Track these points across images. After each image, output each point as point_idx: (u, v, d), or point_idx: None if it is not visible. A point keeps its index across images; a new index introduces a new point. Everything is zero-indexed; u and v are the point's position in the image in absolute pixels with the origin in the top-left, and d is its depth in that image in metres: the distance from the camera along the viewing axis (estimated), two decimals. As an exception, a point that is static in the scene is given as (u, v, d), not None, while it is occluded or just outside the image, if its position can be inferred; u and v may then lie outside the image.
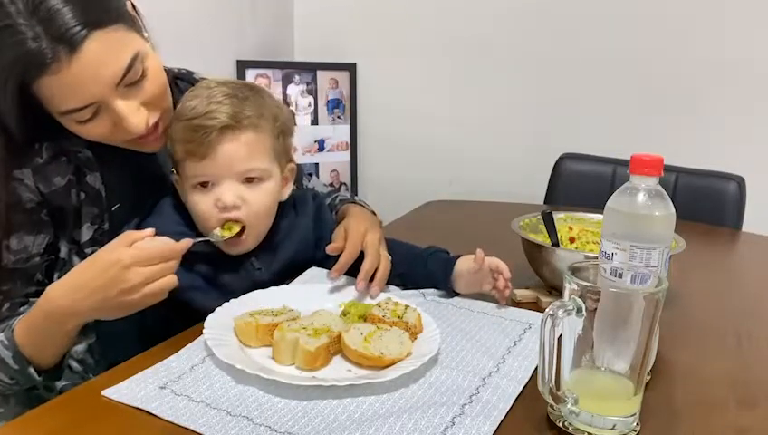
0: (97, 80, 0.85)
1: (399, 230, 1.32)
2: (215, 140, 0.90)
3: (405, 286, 1.05)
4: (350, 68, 2.50)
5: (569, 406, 0.70)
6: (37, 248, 0.94)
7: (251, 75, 2.31)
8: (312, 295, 0.97)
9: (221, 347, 0.81)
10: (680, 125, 2.07)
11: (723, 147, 2.00)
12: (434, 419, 0.71)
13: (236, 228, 0.94)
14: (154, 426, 0.70)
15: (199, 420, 0.70)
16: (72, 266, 0.89)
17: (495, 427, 0.70)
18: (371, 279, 0.99)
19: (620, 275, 0.74)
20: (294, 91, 2.41)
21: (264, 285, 0.98)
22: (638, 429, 0.71)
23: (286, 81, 2.40)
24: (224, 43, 2.26)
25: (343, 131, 2.52)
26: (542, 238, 1.10)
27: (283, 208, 1.03)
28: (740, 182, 1.68)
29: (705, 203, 1.66)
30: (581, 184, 1.80)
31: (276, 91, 2.35)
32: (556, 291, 1.06)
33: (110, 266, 0.80)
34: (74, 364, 0.96)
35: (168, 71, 0.99)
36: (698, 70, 2.04)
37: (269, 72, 2.36)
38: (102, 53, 0.84)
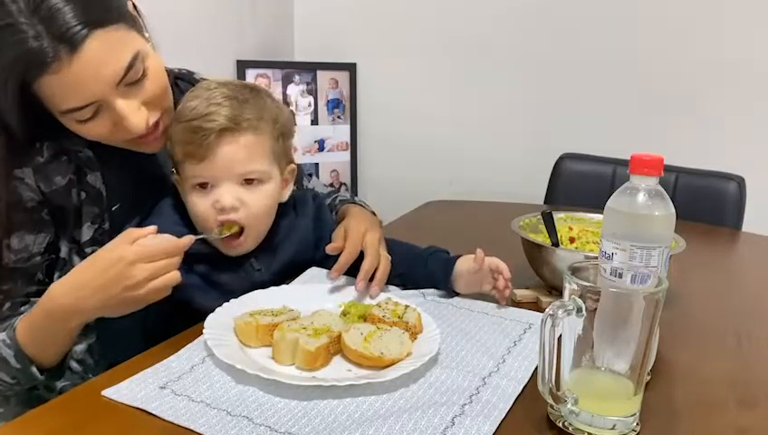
0: (97, 79, 0.85)
1: (399, 230, 1.32)
2: (213, 143, 0.90)
3: (405, 286, 1.05)
4: (350, 68, 2.50)
5: (569, 406, 0.70)
6: (38, 248, 0.94)
7: (251, 75, 2.31)
8: (312, 295, 0.97)
9: (221, 347, 0.81)
10: (680, 125, 2.08)
11: (723, 147, 2.00)
12: (434, 419, 0.71)
13: (235, 227, 0.94)
14: (154, 426, 0.70)
15: (199, 420, 0.70)
16: (73, 266, 0.89)
17: (495, 427, 0.70)
18: (371, 279, 0.99)
19: (620, 275, 0.74)
20: (294, 91, 2.41)
21: (263, 286, 0.98)
22: (638, 429, 0.71)
23: (286, 81, 2.40)
24: (224, 43, 2.26)
25: (343, 131, 2.52)
26: (542, 238, 1.10)
27: (283, 209, 1.03)
28: (740, 182, 1.68)
29: (705, 203, 1.66)
30: (581, 184, 1.80)
31: (276, 91, 2.35)
32: (556, 291, 1.06)
33: (114, 263, 0.80)
34: (74, 364, 0.96)
35: (169, 71, 1.00)
36: (698, 70, 2.04)
37: (269, 72, 2.36)
38: (103, 52, 0.84)
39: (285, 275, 1.03)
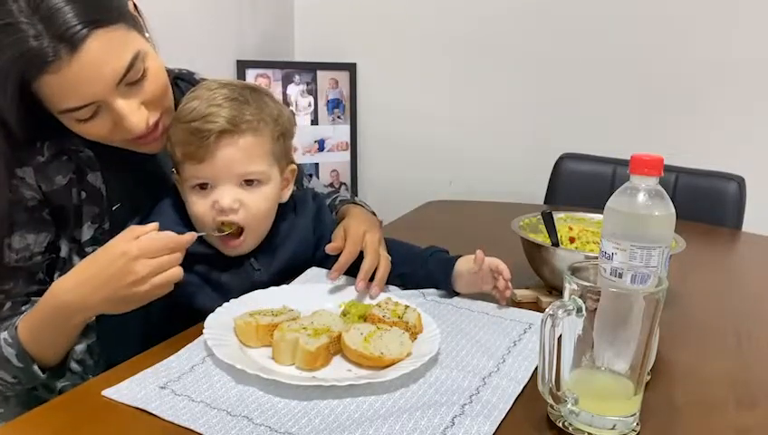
0: (97, 79, 0.85)
1: (399, 230, 1.32)
2: (213, 144, 0.90)
3: (405, 286, 1.05)
4: (350, 68, 2.50)
5: (569, 406, 0.70)
6: (39, 247, 0.94)
7: (251, 75, 2.31)
8: (312, 295, 0.97)
9: (221, 347, 0.81)
10: (680, 125, 2.08)
11: (723, 147, 2.01)
12: (434, 419, 0.71)
13: (235, 226, 0.94)
14: (154, 426, 0.70)
15: (199, 420, 0.70)
16: (73, 266, 0.89)
17: (495, 427, 0.70)
18: (371, 279, 0.99)
19: (620, 275, 0.74)
20: (294, 91, 2.41)
21: (263, 286, 0.98)
22: (638, 429, 0.71)
23: (286, 81, 2.40)
24: (224, 43, 2.26)
25: (343, 131, 2.52)
26: (542, 238, 1.10)
27: (283, 209, 1.03)
28: (740, 182, 1.68)
29: (705, 203, 1.66)
30: (581, 184, 1.80)
31: (276, 91, 2.35)
32: (556, 291, 1.06)
33: (117, 258, 0.81)
34: (73, 365, 0.96)
35: (169, 71, 1.00)
36: (698, 70, 2.04)
37: (269, 72, 2.36)
38: (103, 52, 0.84)
39: (285, 275, 1.03)
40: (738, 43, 1.98)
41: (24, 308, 0.92)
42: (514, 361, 0.84)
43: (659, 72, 2.08)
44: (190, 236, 0.86)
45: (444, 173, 2.43)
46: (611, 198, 0.80)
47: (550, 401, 0.70)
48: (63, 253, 0.96)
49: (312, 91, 2.44)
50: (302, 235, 1.06)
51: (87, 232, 0.96)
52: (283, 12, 2.52)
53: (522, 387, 0.78)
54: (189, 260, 0.88)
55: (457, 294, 1.04)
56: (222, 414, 0.71)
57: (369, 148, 2.57)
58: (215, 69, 1.78)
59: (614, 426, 0.70)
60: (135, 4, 0.94)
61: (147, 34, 0.94)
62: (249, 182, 0.94)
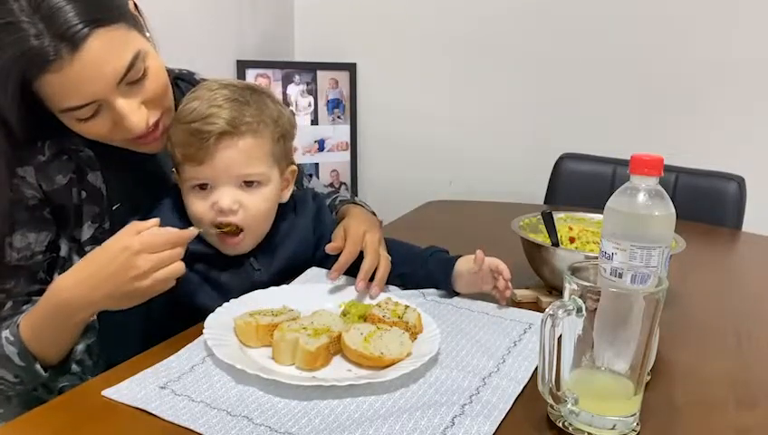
0: (98, 78, 0.85)
1: (399, 230, 1.32)
2: (212, 146, 0.90)
3: (405, 286, 1.05)
4: (350, 68, 2.50)
5: (569, 406, 0.70)
6: (40, 246, 0.94)
7: (251, 75, 2.31)
8: (312, 295, 0.97)
9: (221, 347, 0.81)
10: (680, 125, 2.08)
11: (723, 147, 2.01)
12: (434, 419, 0.71)
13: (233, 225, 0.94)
14: (154, 426, 0.70)
15: (199, 420, 0.70)
16: (72, 265, 0.89)
17: (495, 427, 0.70)
18: (371, 279, 0.99)
19: (620, 275, 0.74)
20: (294, 91, 2.41)
21: (263, 286, 0.98)
22: (638, 429, 0.71)
23: (286, 81, 2.40)
24: (224, 43, 2.26)
25: (343, 131, 2.52)
26: (542, 238, 1.10)
27: (284, 209, 1.03)
28: (740, 182, 1.68)
29: (705, 203, 1.66)
30: (581, 184, 1.80)
31: (276, 91, 2.35)
32: (556, 291, 1.06)
33: (120, 253, 0.81)
34: (72, 365, 0.96)
35: (170, 71, 1.00)
36: (698, 70, 2.04)
37: (269, 72, 2.36)
38: (104, 51, 0.84)
39: (285, 275, 1.03)
40: (738, 43, 1.98)
41: (24, 308, 0.92)
42: (514, 361, 0.84)
43: (659, 72, 2.08)
44: (192, 232, 0.86)
45: (444, 173, 2.43)
46: (611, 198, 0.80)
47: (550, 401, 0.70)
48: (63, 252, 0.96)
49: (312, 91, 2.44)
50: (302, 235, 1.06)
51: (87, 232, 0.96)
52: (283, 12, 2.52)
53: (522, 387, 0.78)
54: (189, 259, 0.88)
55: (457, 294, 1.04)
56: (222, 414, 0.71)
57: (369, 148, 2.57)
58: (215, 69, 1.79)
59: (614, 426, 0.70)
60: (136, 4, 0.94)
61: (147, 34, 0.94)
62: (249, 183, 0.94)
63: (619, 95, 2.15)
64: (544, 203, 1.85)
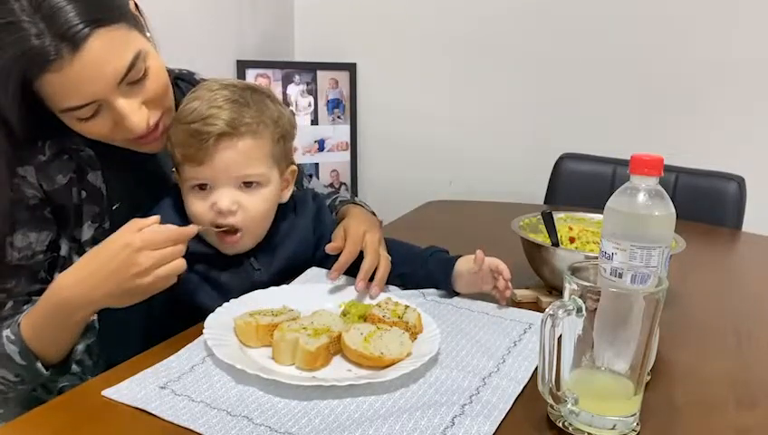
0: (99, 78, 0.85)
1: (399, 230, 1.32)
2: (212, 147, 0.90)
3: (405, 286, 1.05)
4: (350, 68, 2.50)
5: (569, 406, 0.70)
6: (40, 245, 0.94)
7: (251, 75, 2.31)
8: (312, 295, 0.97)
9: (221, 347, 0.81)
10: (680, 125, 2.08)
11: (723, 147, 2.01)
12: (434, 419, 0.71)
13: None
14: (154, 426, 0.70)
15: (199, 420, 0.70)
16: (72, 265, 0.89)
17: (495, 427, 0.70)
18: (371, 279, 0.99)
19: (620, 275, 0.74)
20: (294, 91, 2.41)
21: (263, 286, 0.98)
22: (638, 429, 0.71)
23: (286, 81, 2.40)
24: (224, 43, 2.26)
25: (343, 131, 2.52)
26: (542, 238, 1.10)
27: (284, 209, 1.03)
28: (740, 182, 1.68)
29: (705, 203, 1.67)
30: (581, 184, 1.80)
31: (276, 91, 2.35)
32: (556, 291, 1.06)
33: (121, 250, 0.81)
34: (72, 365, 0.96)
35: (170, 71, 1.00)
36: (698, 70, 2.04)
37: (269, 72, 2.36)
38: (105, 51, 0.84)
39: (285, 275, 1.03)
40: (738, 43, 1.98)
41: (25, 307, 0.92)
42: (514, 361, 0.84)
43: (659, 72, 2.08)
44: (193, 229, 0.86)
45: (444, 173, 2.43)
46: (611, 198, 0.80)
47: (550, 401, 0.70)
48: (63, 252, 0.96)
49: (312, 91, 2.44)
50: (302, 235, 1.06)
51: (87, 231, 0.96)
52: (283, 12, 2.52)
53: (522, 387, 0.78)
54: (190, 259, 0.88)
55: (457, 294, 1.04)
56: (222, 414, 0.71)
57: (369, 148, 2.57)
58: (215, 69, 1.78)
59: (614, 426, 0.70)
60: (136, 4, 0.94)
61: (148, 34, 0.94)
62: (248, 184, 0.94)
63: (619, 95, 2.15)
64: (544, 203, 1.85)
